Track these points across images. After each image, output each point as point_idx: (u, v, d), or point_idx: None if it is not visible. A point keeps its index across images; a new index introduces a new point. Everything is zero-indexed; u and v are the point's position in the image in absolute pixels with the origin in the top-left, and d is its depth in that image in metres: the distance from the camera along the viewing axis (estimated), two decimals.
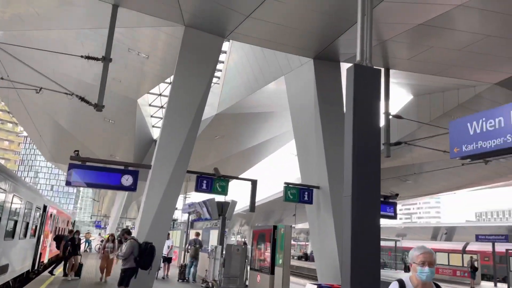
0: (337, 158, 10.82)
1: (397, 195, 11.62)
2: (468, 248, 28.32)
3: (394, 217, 11.53)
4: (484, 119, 4.32)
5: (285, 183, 11.50)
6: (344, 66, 11.08)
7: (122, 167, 9.05)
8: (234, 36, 10.20)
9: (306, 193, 11.43)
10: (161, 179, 9.71)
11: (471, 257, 22.89)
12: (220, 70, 21.77)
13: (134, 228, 29.10)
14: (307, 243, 62.01)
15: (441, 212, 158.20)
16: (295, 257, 49.94)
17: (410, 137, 13.84)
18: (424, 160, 20.26)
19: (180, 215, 40.00)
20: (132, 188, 8.94)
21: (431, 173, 21.90)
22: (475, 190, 29.15)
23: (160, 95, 24.45)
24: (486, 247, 26.44)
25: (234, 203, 14.79)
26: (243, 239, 65.50)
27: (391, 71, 11.80)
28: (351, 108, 5.80)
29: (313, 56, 10.73)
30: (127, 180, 8.89)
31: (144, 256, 8.80)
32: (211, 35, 10.08)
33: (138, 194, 29.16)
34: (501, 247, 24.15)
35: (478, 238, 25.47)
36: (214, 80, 22.90)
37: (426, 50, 10.18)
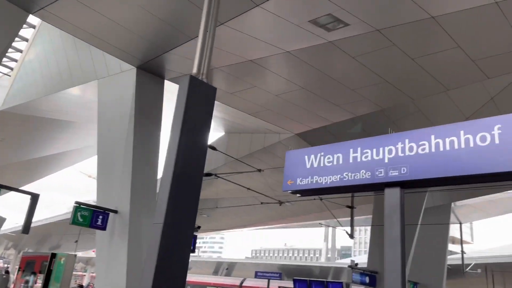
0: (144, 180, 9.79)
1: (199, 227, 11.25)
2: (244, 284, 30.27)
3: (192, 250, 11.05)
4: (322, 153, 4.29)
5: (76, 202, 9.73)
6: (169, 87, 10.40)
7: None
8: (44, 15, 8.34)
9: (101, 216, 9.87)
10: None
11: None
12: (16, 60, 18.14)
13: None
14: (84, 273, 56.29)
15: (223, 248, 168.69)
16: None
17: (215, 172, 13.99)
18: (222, 196, 20.91)
19: None
20: None
21: (226, 209, 22.74)
22: (257, 229, 31.85)
23: None
24: (261, 283, 28.69)
25: (1, 219, 11.80)
26: (5, 266, 54.65)
27: None
28: (179, 123, 5.09)
29: (138, 64, 9.70)
30: None
31: None
32: (12, 5, 7.98)
33: None
34: (275, 284, 26.54)
35: (257, 275, 27.45)
36: (5, 70, 18.95)
37: (249, 89, 10.48)
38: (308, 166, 4.39)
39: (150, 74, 10.09)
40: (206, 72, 5.69)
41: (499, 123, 3.38)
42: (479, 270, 27.45)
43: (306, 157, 4.45)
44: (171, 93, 8.58)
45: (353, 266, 15.59)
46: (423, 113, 10.91)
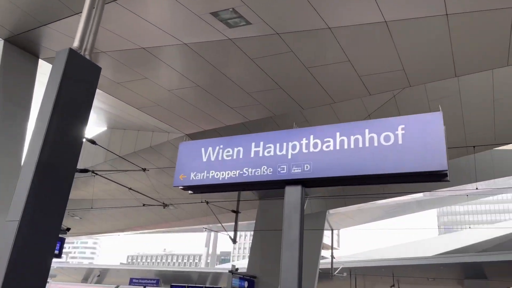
0: (3, 172, 8.31)
1: (68, 229, 9.96)
2: None
3: (58, 255, 9.71)
4: (222, 146, 3.91)
5: None
6: (45, 70, 9.05)
7: None
8: None
9: None
10: None
11: None
12: None
13: None
14: None
15: (96, 253, 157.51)
16: None
17: (92, 169, 12.71)
18: (100, 197, 19.23)
19: None
20: None
21: (103, 211, 21.01)
22: (135, 234, 30.20)
23: None
24: None
25: None
26: None
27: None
28: (51, 103, 4.32)
29: (6, 36, 8.23)
30: None
31: None
32: None
33: None
34: None
35: (132, 281, 25.94)
36: None
37: (139, 80, 9.69)
38: (204, 159, 4.00)
39: (22, 49, 8.67)
40: (90, 49, 4.96)
41: (403, 123, 3.44)
42: (345, 274, 29.98)
43: (203, 149, 4.05)
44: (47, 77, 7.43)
45: (234, 271, 15.57)
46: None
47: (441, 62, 8.22)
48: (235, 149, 3.88)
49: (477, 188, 13.60)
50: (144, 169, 11.57)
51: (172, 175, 4.39)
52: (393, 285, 31.46)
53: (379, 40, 7.47)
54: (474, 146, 10.98)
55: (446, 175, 3.20)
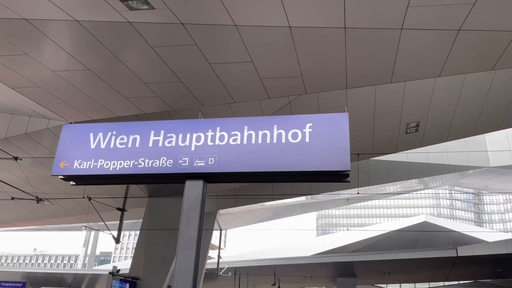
0: None
1: None
2: None
3: None
4: (115, 132, 3.42)
5: None
6: None
7: None
8: None
9: None
10: None
11: None
12: None
13: None
14: None
15: None
16: None
17: None
18: None
19: None
20: None
21: None
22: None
23: None
24: None
25: None
26: None
27: None
28: None
29: None
30: None
31: None
32: None
33: None
34: None
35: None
36: None
37: (19, 55, 8.44)
38: (92, 146, 3.49)
39: None
40: None
41: (311, 122, 3.42)
42: (229, 274, 30.39)
43: (91, 134, 3.53)
44: None
45: (114, 273, 14.61)
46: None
47: (336, 73, 8.73)
48: (131, 137, 3.46)
49: (358, 193, 14.85)
50: (16, 158, 10.13)
51: (50, 166, 3.76)
52: (274, 284, 32.89)
53: (282, 45, 7.62)
54: (358, 154, 11.95)
55: (348, 175, 3.28)
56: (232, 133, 3.54)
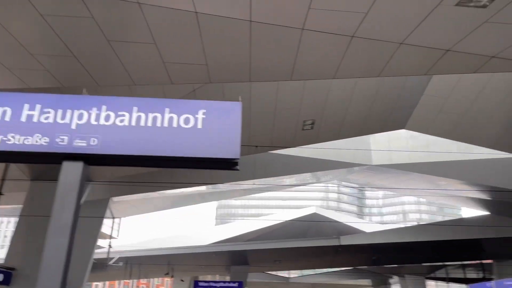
0: None
1: None
2: None
3: None
4: None
5: None
6: None
7: None
8: None
9: None
10: None
11: None
12: None
13: None
14: None
15: None
16: None
17: None
18: None
19: None
20: None
21: None
22: None
23: None
24: None
25: None
26: None
27: None
28: None
29: None
30: None
31: None
32: None
33: None
34: None
35: None
36: None
37: None
38: None
39: None
40: None
41: (205, 108, 3.35)
42: (121, 263, 29.20)
43: None
44: None
45: None
46: None
47: (240, 65, 8.82)
48: (1, 109, 3.02)
49: (254, 184, 15.26)
50: None
51: None
52: (168, 273, 32.46)
53: (188, 30, 7.45)
54: (256, 146, 12.28)
55: (237, 163, 3.31)
56: (120, 113, 3.30)
